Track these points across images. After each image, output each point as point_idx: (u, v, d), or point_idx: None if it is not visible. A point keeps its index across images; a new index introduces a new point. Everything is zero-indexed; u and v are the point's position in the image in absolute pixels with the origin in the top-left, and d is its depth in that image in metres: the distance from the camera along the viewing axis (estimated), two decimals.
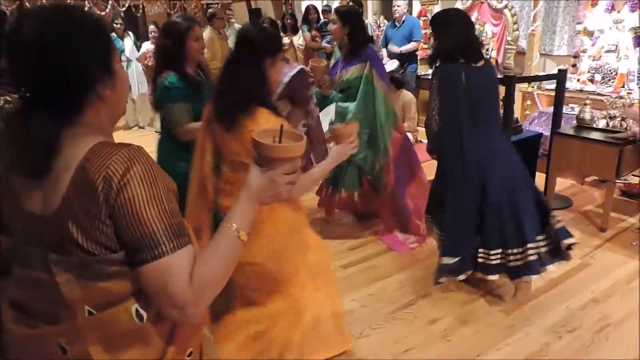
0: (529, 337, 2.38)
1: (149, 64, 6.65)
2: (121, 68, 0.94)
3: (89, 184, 0.81)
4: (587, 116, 3.46)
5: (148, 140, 7.16)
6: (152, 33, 6.52)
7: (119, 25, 6.71)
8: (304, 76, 2.80)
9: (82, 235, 0.82)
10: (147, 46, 6.65)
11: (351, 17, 3.07)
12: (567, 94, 4.57)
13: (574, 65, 4.98)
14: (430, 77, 2.62)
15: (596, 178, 4.23)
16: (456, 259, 2.51)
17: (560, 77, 3.52)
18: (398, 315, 2.58)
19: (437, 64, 2.48)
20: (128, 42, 6.89)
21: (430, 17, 6.69)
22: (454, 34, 2.42)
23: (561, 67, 4.01)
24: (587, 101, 3.55)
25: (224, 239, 0.93)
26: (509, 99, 3.38)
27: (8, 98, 4.07)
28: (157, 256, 0.82)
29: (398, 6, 5.53)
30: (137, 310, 0.87)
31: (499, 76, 4.55)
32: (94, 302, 0.84)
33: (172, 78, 2.31)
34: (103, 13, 9.62)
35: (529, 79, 4.26)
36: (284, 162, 0.99)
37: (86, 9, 7.17)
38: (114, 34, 6.79)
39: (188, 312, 0.85)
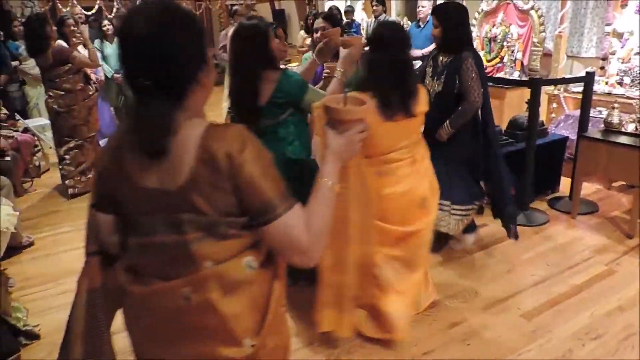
0: (550, 344, 2.35)
1: None
2: (210, 57, 1.05)
3: (213, 161, 0.94)
4: (616, 120, 3.39)
5: None
6: None
7: None
8: None
9: (207, 205, 0.96)
10: None
11: (337, 19, 3.13)
12: (594, 97, 4.48)
13: (602, 68, 4.87)
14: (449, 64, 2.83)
15: (623, 183, 4.13)
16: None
17: (588, 80, 3.46)
18: (417, 317, 2.56)
19: (461, 50, 2.76)
20: None
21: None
22: (466, 26, 2.89)
23: (589, 69, 3.93)
24: (616, 104, 3.47)
25: (322, 193, 1.08)
26: (535, 102, 3.34)
27: (51, 94, 4.31)
28: (277, 216, 0.98)
29: (423, 7, 5.50)
30: (248, 262, 1.03)
31: (525, 78, 4.50)
32: (213, 258, 0.99)
33: (287, 72, 2.35)
34: None
35: (556, 82, 4.19)
36: (355, 123, 1.14)
37: (114, 9, 7.28)
38: None
39: (310, 255, 1.02)
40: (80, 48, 4.84)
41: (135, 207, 1.02)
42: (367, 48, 2.22)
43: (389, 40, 2.12)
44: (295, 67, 5.13)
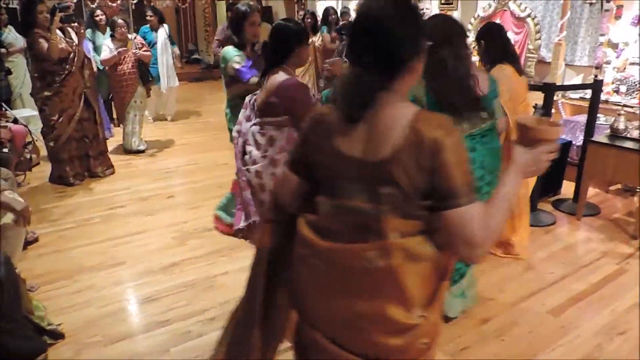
0: (580, 339, 2.44)
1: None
2: (425, 50, 1.13)
3: (420, 142, 1.03)
4: (622, 126, 3.54)
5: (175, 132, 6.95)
6: (121, 29, 5.41)
7: (150, 17, 6.58)
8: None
9: (405, 179, 1.05)
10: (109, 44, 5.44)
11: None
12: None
13: (595, 76, 5.08)
14: None
15: (620, 187, 4.33)
16: None
17: (596, 87, 3.60)
18: (448, 316, 2.61)
19: None
20: (162, 34, 6.71)
21: None
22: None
23: (597, 76, 4.09)
24: (622, 112, 3.63)
25: (501, 200, 1.12)
26: (548, 106, 3.45)
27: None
28: (459, 205, 1.04)
29: (427, 9, 5.59)
30: (429, 241, 1.11)
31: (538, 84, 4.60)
32: (400, 230, 1.08)
33: None
34: (114, 5, 9.58)
35: (567, 88, 4.33)
36: (546, 143, 1.17)
37: (97, 1, 6.97)
38: (147, 26, 6.67)
39: (476, 252, 1.06)
40: (74, 36, 4.65)
41: (335, 171, 1.14)
42: None
43: None
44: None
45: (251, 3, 2.95)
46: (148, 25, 6.70)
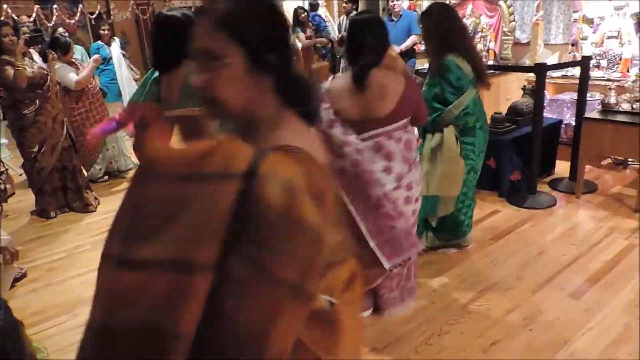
0: (608, 319, 2.40)
1: None
2: None
3: None
4: (613, 100, 3.55)
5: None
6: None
7: (105, 32, 6.31)
8: None
9: None
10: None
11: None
12: (572, 81, 4.71)
13: (570, 53, 5.13)
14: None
15: (611, 161, 4.36)
16: None
17: (585, 64, 3.60)
18: (471, 309, 2.56)
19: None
20: (115, 49, 6.46)
21: (419, 12, 6.75)
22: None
23: (571, 53, 4.09)
24: (612, 86, 3.64)
25: None
26: (540, 86, 3.43)
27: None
28: None
29: (397, 1, 5.53)
30: None
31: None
32: None
33: None
34: (72, 21, 9.22)
35: (558, 66, 4.33)
36: None
37: (55, 16, 6.63)
38: (99, 42, 6.40)
39: None
40: (37, 58, 4.39)
41: None
42: None
43: None
44: None
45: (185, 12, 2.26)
46: (99, 42, 6.40)
